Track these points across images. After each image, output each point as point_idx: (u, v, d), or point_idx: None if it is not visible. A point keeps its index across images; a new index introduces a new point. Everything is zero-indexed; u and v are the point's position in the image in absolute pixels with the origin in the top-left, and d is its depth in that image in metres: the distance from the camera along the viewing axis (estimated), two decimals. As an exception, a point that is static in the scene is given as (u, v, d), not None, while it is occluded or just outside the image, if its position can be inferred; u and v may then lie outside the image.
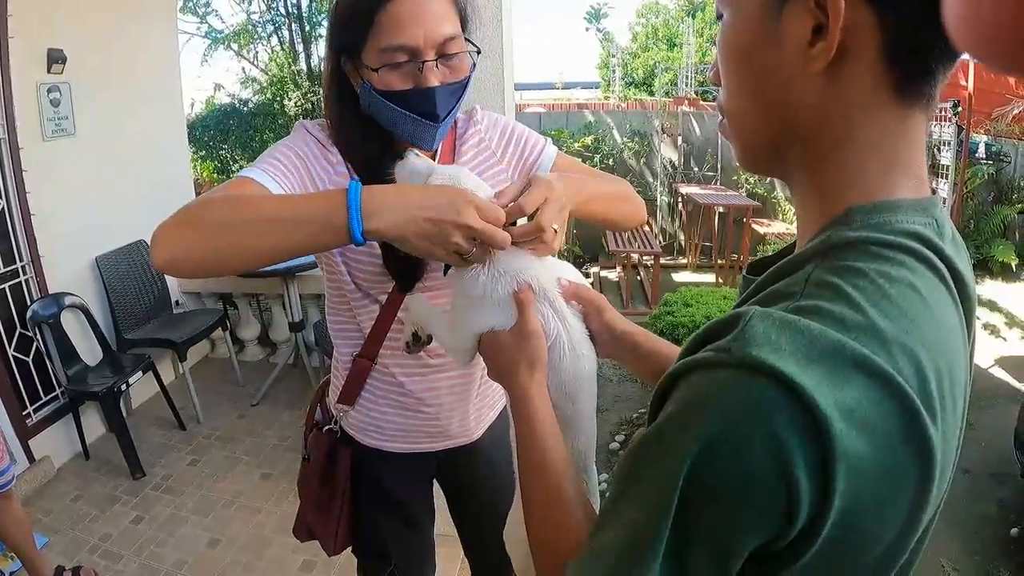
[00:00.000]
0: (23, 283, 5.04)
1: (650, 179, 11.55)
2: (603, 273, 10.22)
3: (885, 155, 0.81)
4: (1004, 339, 7.32)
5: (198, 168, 10.04)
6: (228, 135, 10.05)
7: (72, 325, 5.28)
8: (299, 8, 10.60)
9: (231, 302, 7.00)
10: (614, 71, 16.46)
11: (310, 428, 2.15)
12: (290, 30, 10.69)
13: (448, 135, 1.87)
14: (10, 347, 4.91)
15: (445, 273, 1.45)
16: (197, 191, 7.37)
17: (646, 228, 10.03)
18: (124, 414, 5.40)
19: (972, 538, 4.12)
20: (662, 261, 9.65)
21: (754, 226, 9.80)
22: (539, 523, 1.12)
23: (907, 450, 0.69)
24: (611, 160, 11.43)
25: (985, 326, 7.58)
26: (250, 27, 11.38)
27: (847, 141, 0.81)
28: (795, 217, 0.95)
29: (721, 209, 9.99)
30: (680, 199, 11.19)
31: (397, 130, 1.65)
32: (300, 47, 10.57)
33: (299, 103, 9.98)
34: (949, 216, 0.85)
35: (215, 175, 10.04)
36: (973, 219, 9.65)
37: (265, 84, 10.73)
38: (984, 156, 9.84)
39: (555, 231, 1.40)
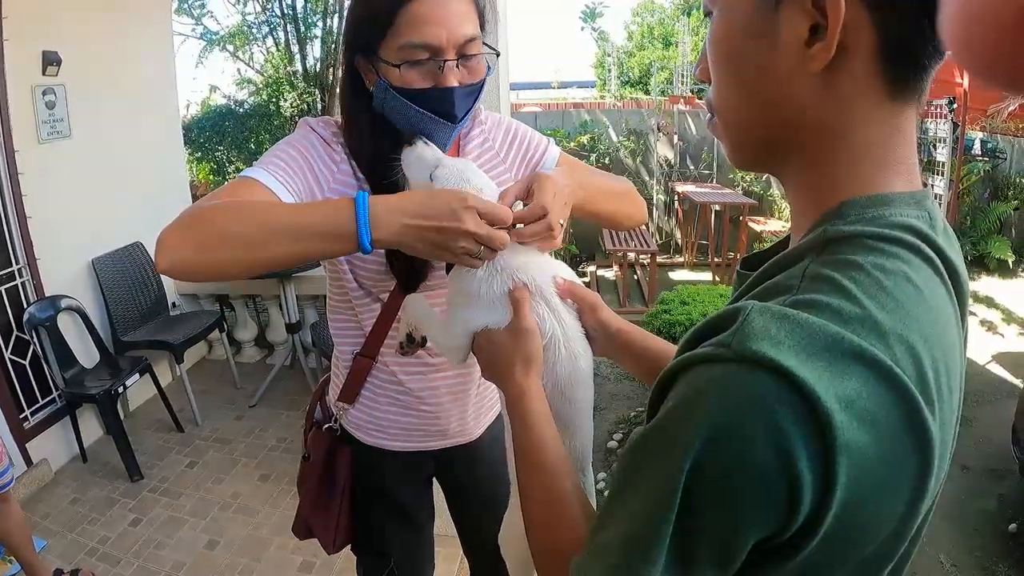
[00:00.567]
0: (19, 286, 5.03)
1: (646, 178, 11.54)
2: (600, 272, 10.20)
3: (878, 150, 0.82)
4: (1001, 335, 7.33)
5: (194, 170, 10.04)
6: (224, 136, 10.03)
7: (69, 328, 5.27)
8: (294, 9, 10.58)
9: (228, 304, 7.00)
10: (610, 70, 16.46)
11: (310, 426, 2.15)
12: (285, 31, 10.67)
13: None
14: (7, 350, 4.90)
15: (448, 271, 1.47)
16: (193, 192, 7.38)
17: (642, 227, 10.02)
18: (121, 416, 5.40)
19: (971, 534, 4.12)
20: (659, 260, 9.67)
21: (750, 224, 9.81)
22: (538, 522, 1.11)
23: (906, 441, 0.70)
24: (607, 159, 11.43)
25: (982, 322, 7.59)
26: (245, 28, 11.36)
27: (842, 137, 0.81)
28: (789, 212, 0.96)
29: (717, 207, 9.98)
30: (676, 197, 11.18)
31: (412, 129, 1.63)
32: (296, 48, 10.56)
33: (295, 104, 9.97)
34: (943, 211, 0.86)
35: (211, 176, 10.04)
36: (969, 216, 9.66)
37: (261, 85, 10.72)
38: (980, 153, 9.85)
39: (561, 225, 1.41)
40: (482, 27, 1.65)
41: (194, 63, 11.79)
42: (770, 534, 0.70)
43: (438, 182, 1.39)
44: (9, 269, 4.93)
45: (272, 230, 1.35)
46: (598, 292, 1.99)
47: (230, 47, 11.30)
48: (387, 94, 1.60)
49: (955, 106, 7.82)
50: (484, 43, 1.65)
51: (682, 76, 12.94)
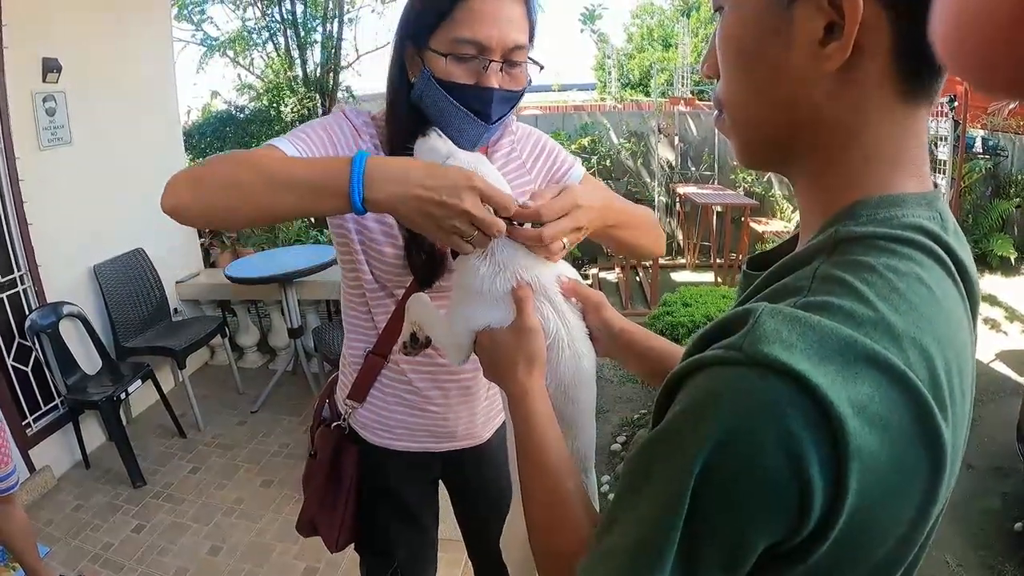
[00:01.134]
0: (21, 293, 5.02)
1: (647, 179, 11.54)
2: (602, 274, 10.20)
3: (891, 151, 0.81)
4: (1005, 333, 7.31)
5: (195, 175, 10.00)
6: (225, 142, 10.01)
7: (71, 334, 5.27)
8: (294, 15, 10.59)
9: (230, 309, 7.02)
10: (610, 72, 16.48)
11: (317, 424, 2.15)
12: (285, 36, 10.68)
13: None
14: (9, 357, 4.89)
15: (454, 257, 1.46)
16: (194, 199, 7.33)
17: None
18: (124, 422, 5.41)
19: (976, 533, 4.11)
20: (661, 261, 9.64)
21: (752, 225, 9.78)
22: (541, 524, 1.11)
23: (919, 445, 0.69)
24: (608, 161, 11.42)
25: (985, 320, 7.57)
26: (245, 34, 11.38)
27: (854, 137, 0.81)
28: (797, 211, 0.95)
29: (719, 208, 9.95)
30: (677, 199, 11.16)
31: (445, 123, 1.65)
32: (296, 53, 10.56)
33: (295, 109, 9.97)
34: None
35: (212, 182, 9.98)
36: (971, 214, 9.63)
37: (261, 91, 10.74)
38: (981, 151, 9.83)
39: (564, 245, 1.39)
40: (530, 40, 1.67)
41: (195, 69, 11.80)
42: (780, 539, 0.70)
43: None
44: (11, 276, 4.92)
45: (271, 180, 1.36)
46: (600, 291, 1.98)
47: (230, 53, 11.32)
48: (428, 84, 1.63)
49: (956, 104, 7.81)
50: (529, 57, 1.68)
51: (682, 77, 12.93)
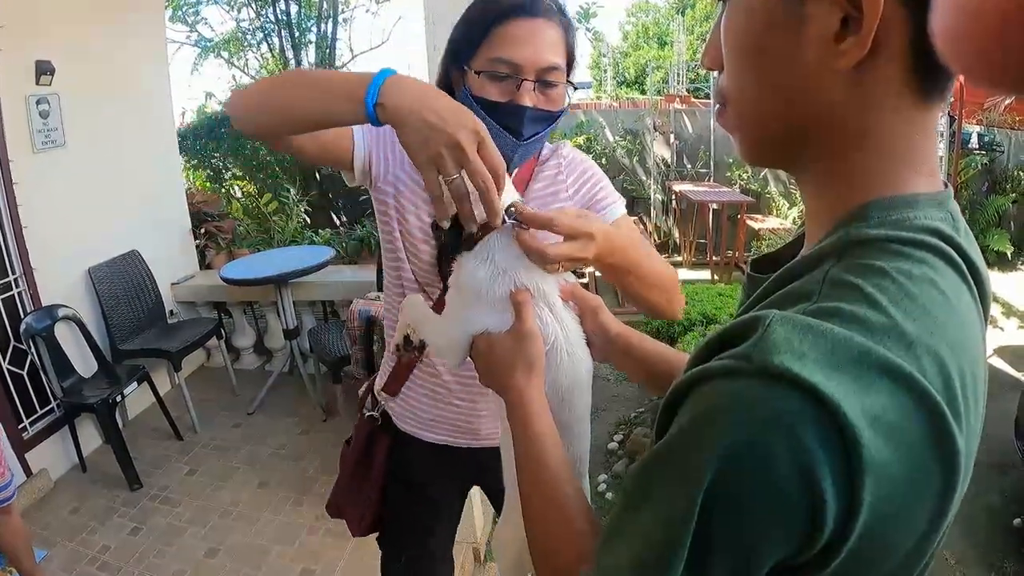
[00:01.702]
0: (15, 296, 5.01)
1: (643, 177, 11.55)
2: (598, 273, 10.18)
3: (904, 150, 0.79)
4: (1001, 328, 7.34)
5: (191, 177, 10.02)
6: (220, 143, 9.98)
7: (66, 337, 5.26)
8: (288, 15, 10.58)
9: (226, 310, 7.00)
10: (605, 70, 16.49)
11: (359, 410, 2.24)
12: (280, 37, 10.68)
13: (530, 160, 1.93)
14: (4, 360, 4.89)
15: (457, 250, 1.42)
16: (189, 200, 7.35)
17: (639, 226, 10.01)
18: (120, 425, 5.40)
19: (975, 530, 4.11)
20: (657, 259, 9.61)
21: (748, 222, 9.80)
22: (541, 534, 1.10)
23: (932, 455, 0.67)
24: (604, 159, 11.43)
25: (982, 316, 7.58)
26: (240, 35, 11.37)
27: (867, 136, 0.79)
28: (793, 208, 0.94)
29: (715, 206, 9.96)
30: (673, 197, 11.18)
31: None
32: (290, 54, 10.55)
33: (290, 110, 9.94)
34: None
35: (207, 184, 10.02)
36: (967, 209, 9.65)
37: (256, 91, 10.71)
38: (977, 146, 9.85)
39: (558, 266, 1.36)
40: (569, 65, 1.75)
41: (189, 70, 11.82)
42: (790, 554, 0.68)
43: None
44: (5, 279, 4.91)
45: (307, 85, 1.50)
46: (596, 293, 2.00)
47: (224, 54, 11.32)
48: (467, 101, 1.67)
49: (951, 99, 7.81)
50: (569, 80, 1.74)
51: (678, 75, 12.96)
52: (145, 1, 6.58)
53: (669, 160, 11.52)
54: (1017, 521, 4.09)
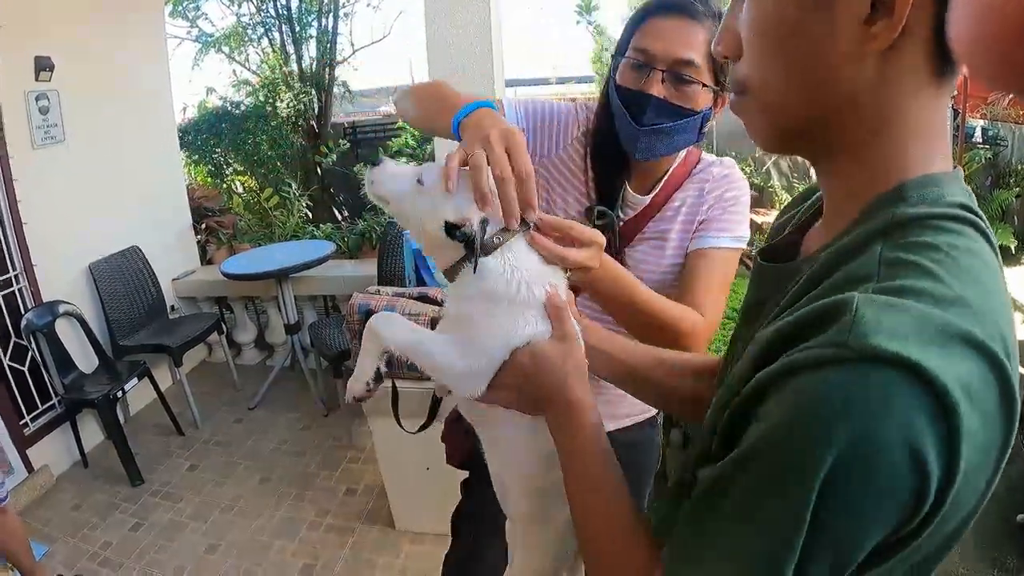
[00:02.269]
0: (16, 292, 5.02)
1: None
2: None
3: (926, 132, 0.81)
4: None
5: (192, 172, 10.02)
6: (221, 138, 9.98)
7: (67, 333, 5.27)
8: (289, 10, 10.53)
9: (227, 306, 7.01)
10: (607, 65, 16.48)
11: None
12: (280, 32, 10.62)
13: (683, 165, 1.96)
14: (5, 357, 4.90)
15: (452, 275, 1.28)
16: (190, 195, 7.35)
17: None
18: (122, 421, 5.42)
19: (977, 524, 4.08)
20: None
21: (751, 216, 9.77)
22: (603, 550, 1.05)
23: (1001, 417, 0.69)
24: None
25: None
26: (240, 30, 11.32)
27: (894, 119, 0.80)
28: (824, 195, 0.93)
29: (717, 200, 9.90)
30: (676, 191, 11.16)
31: (616, 123, 1.84)
32: (291, 49, 10.49)
33: (291, 104, 9.92)
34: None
35: (209, 179, 10.02)
36: (971, 204, 9.63)
37: (257, 87, 10.68)
38: (981, 140, 9.82)
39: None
40: (718, 73, 1.76)
41: (190, 66, 11.73)
42: (890, 532, 0.68)
43: (428, 178, 1.26)
44: (5, 276, 4.92)
45: (430, 96, 1.72)
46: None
47: (225, 49, 11.26)
48: (610, 86, 1.84)
49: (956, 93, 7.80)
50: (704, 83, 1.74)
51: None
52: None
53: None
54: (1020, 516, 4.06)
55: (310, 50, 10.71)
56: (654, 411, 2.24)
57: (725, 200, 1.92)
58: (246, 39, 11.18)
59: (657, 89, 1.72)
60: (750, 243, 1.88)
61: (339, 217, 9.89)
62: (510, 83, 5.68)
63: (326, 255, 5.98)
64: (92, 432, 5.51)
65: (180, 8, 10.96)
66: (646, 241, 1.95)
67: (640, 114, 1.75)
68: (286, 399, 6.22)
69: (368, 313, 3.84)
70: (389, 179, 1.31)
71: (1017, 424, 0.69)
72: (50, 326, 5.03)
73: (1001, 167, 9.86)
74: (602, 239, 1.38)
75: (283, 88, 10.18)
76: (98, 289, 5.67)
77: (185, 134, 9.57)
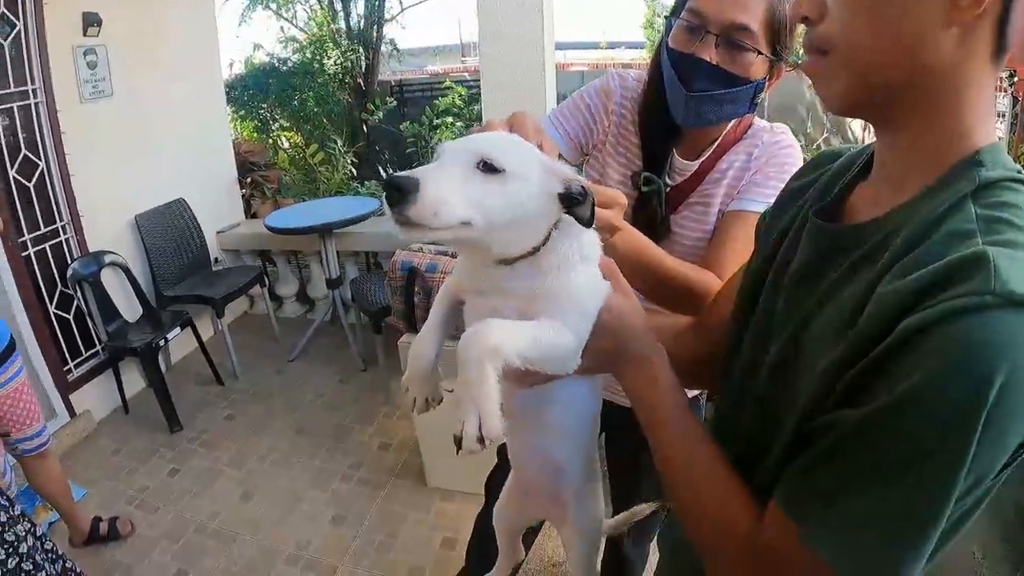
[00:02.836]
0: (63, 243, 5.11)
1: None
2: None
3: (988, 105, 0.88)
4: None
5: (238, 127, 10.13)
6: (267, 94, 10.06)
7: (112, 283, 5.37)
8: (338, -34, 10.51)
9: (270, 259, 7.07)
10: (659, 31, 16.22)
11: None
12: (329, -11, 10.61)
13: (733, 130, 1.90)
14: (51, 305, 5.01)
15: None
16: (236, 150, 7.40)
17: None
18: (163, 369, 5.51)
19: (1005, 524, 4.05)
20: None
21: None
22: (704, 499, 1.05)
23: None
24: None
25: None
26: (289, -14, 11.30)
27: (967, 92, 0.86)
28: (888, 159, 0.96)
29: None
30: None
31: (665, 87, 1.79)
32: (339, 6, 10.48)
33: (338, 62, 9.93)
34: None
35: (255, 134, 10.10)
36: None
37: (304, 43, 10.68)
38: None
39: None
40: (774, 43, 1.70)
41: (237, 21, 11.72)
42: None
43: (503, 159, 1.02)
44: (53, 226, 5.01)
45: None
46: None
47: (273, 5, 11.26)
48: (662, 49, 1.78)
49: (1016, 80, 7.62)
50: (770, 56, 1.71)
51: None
52: (193, -48, 6.60)
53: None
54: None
55: (358, 7, 10.71)
56: (696, 391, 2.19)
57: (771, 166, 1.85)
58: (294, -5, 11.18)
59: (709, 54, 1.66)
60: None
61: (384, 174, 9.88)
62: (560, 46, 5.64)
63: (370, 211, 5.97)
64: (134, 379, 5.64)
65: (229, -37, 10.98)
66: (691, 207, 1.92)
67: (690, 79, 1.69)
68: (325, 353, 6.28)
69: (410, 270, 3.83)
70: (448, 193, 0.97)
71: None
72: (96, 276, 5.13)
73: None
74: (624, 200, 1.36)
75: (330, 45, 10.21)
76: (143, 240, 5.76)
77: (232, 90, 9.63)
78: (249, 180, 7.48)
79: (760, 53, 1.67)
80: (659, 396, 1.12)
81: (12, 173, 4.65)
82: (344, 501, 4.31)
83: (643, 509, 1.83)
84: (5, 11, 4.45)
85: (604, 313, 1.13)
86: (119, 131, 5.53)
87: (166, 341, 5.32)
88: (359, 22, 10.55)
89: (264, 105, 10.13)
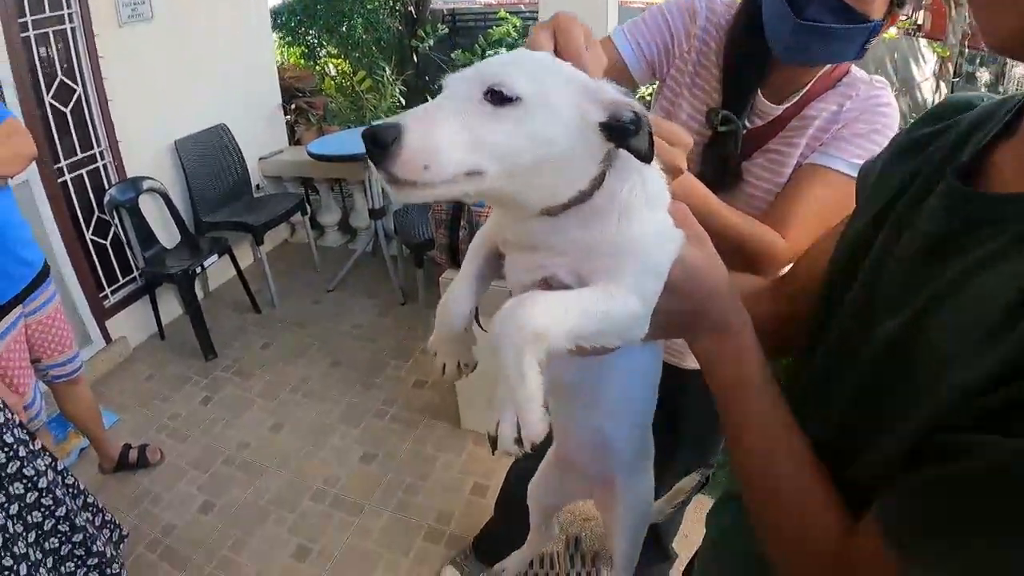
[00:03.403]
0: (100, 168, 5.09)
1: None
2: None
3: None
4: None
5: (285, 54, 10.08)
6: (316, 20, 9.94)
7: (150, 209, 5.35)
8: None
9: (312, 187, 7.02)
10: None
11: None
12: (381, -88, 10.41)
13: (826, 76, 1.71)
14: (88, 231, 5.01)
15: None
16: (281, 76, 7.33)
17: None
18: (200, 297, 5.58)
19: None
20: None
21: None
22: (786, 509, 0.90)
23: None
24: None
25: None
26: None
27: None
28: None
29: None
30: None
31: (766, 12, 1.59)
32: (392, -70, 10.33)
33: (390, -17, 9.81)
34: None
35: (301, 61, 10.03)
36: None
37: (354, -33, 10.54)
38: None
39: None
40: None
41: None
42: None
43: (518, 85, 0.81)
44: (90, 152, 4.98)
45: None
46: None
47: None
48: None
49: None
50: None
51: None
52: None
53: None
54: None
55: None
56: None
57: (862, 122, 1.66)
58: (345, -83, 10.98)
59: None
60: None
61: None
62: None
63: (418, 140, 5.81)
64: (171, 306, 5.66)
65: None
66: (767, 154, 1.76)
67: (802, 4, 1.49)
68: (365, 285, 6.24)
69: (456, 203, 3.70)
70: (441, 138, 0.78)
71: None
72: (133, 202, 5.11)
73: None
74: (689, 139, 1.11)
75: (381, -30, 10.04)
76: (183, 166, 5.71)
77: (278, 16, 9.55)
78: (294, 107, 7.40)
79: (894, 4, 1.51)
80: (743, 373, 0.94)
81: (48, 99, 4.60)
82: (375, 438, 4.28)
83: (687, 483, 1.68)
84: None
85: (677, 269, 0.90)
86: (159, 56, 5.45)
87: (203, 268, 5.30)
88: (410, -52, 10.37)
89: (312, 31, 10.04)
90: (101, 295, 5.06)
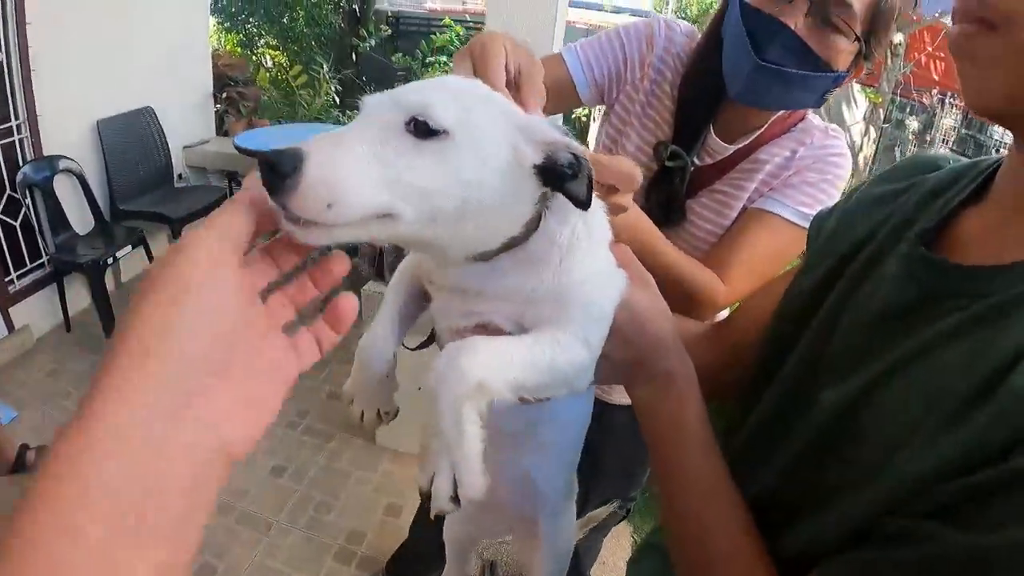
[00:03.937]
0: (16, 143, 4.83)
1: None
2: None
3: None
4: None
5: (222, 40, 9.94)
6: (256, 9, 9.85)
7: (65, 191, 5.11)
8: None
9: (238, 181, 6.76)
10: (667, 3, 16.03)
11: None
12: None
13: (780, 123, 1.66)
14: (-3, 210, 4.76)
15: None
16: (214, 62, 7.15)
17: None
18: (112, 288, 5.35)
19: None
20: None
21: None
22: (716, 566, 0.87)
23: None
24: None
25: None
26: None
27: None
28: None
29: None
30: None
31: (728, 47, 1.53)
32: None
33: (333, -24, 9.72)
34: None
35: (238, 49, 9.88)
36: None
37: (300, -40, 10.44)
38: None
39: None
40: (869, 34, 1.47)
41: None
42: None
43: (442, 116, 0.71)
44: (7, 124, 4.73)
45: None
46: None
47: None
48: (733, 5, 1.49)
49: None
50: (858, 38, 1.45)
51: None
52: None
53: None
54: None
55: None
56: None
57: (814, 171, 1.64)
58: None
59: (796, 21, 1.41)
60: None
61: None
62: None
63: (349, 143, 5.70)
64: (80, 296, 5.40)
65: None
66: (713, 194, 1.71)
67: (764, 45, 1.43)
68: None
69: None
70: (350, 173, 0.67)
71: None
72: (48, 182, 4.88)
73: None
74: (639, 179, 0.98)
75: (328, -37, 9.94)
76: (103, 148, 5.49)
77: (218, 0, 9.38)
78: (225, 95, 7.22)
79: (857, 39, 1.44)
80: (682, 426, 0.91)
81: (-34, 62, 4.33)
82: (287, 451, 4.15)
83: (600, 513, 1.73)
84: None
85: (622, 313, 0.89)
86: (89, 28, 5.22)
87: (115, 259, 5.11)
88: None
89: (252, 20, 9.90)
90: (7, 279, 4.82)
